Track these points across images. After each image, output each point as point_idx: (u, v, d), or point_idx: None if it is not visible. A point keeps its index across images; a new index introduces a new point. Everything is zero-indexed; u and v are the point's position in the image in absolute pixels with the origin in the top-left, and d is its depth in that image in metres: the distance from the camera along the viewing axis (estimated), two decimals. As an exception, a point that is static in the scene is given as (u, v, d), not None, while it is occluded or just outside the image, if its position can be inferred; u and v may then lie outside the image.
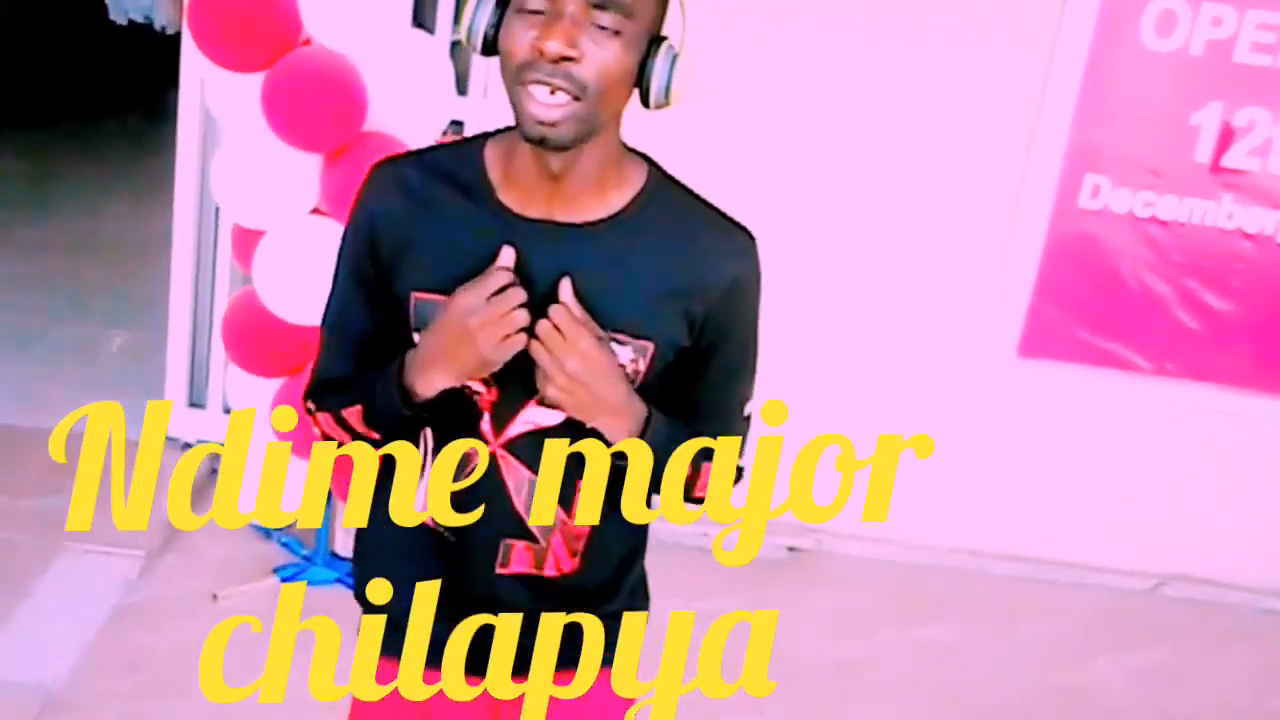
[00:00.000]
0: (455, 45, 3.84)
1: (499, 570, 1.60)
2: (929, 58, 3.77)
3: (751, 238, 1.55)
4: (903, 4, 3.73)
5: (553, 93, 1.35)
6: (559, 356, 1.42)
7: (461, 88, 3.60)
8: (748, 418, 1.64)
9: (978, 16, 3.74)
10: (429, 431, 1.57)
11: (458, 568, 1.62)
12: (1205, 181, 3.88)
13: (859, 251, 3.92)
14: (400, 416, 1.51)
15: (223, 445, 3.92)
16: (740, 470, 1.66)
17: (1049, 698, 3.53)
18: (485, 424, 1.53)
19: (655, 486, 1.58)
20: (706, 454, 1.57)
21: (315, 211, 3.19)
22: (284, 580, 3.52)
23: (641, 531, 1.74)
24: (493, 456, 1.54)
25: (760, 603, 3.77)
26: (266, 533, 3.69)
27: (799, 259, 3.91)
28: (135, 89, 8.43)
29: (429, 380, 1.47)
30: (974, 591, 4.03)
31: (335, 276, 1.61)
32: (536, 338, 1.42)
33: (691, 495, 1.62)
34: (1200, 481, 4.12)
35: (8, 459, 3.92)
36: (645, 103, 1.43)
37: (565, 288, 1.44)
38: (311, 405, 1.63)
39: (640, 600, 1.81)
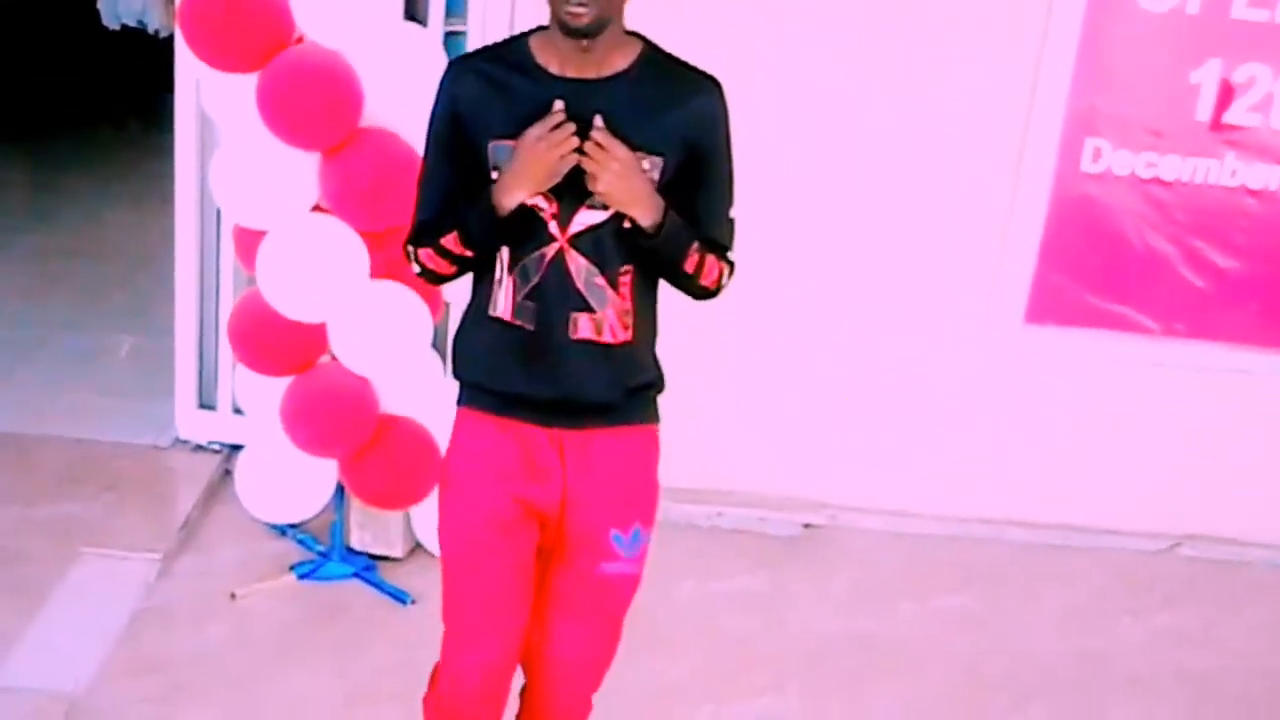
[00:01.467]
0: (449, 36, 3.83)
1: (571, 336, 2.14)
2: (925, 28, 3.75)
3: (718, 83, 2.18)
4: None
5: (581, 5, 1.98)
6: (602, 161, 2.01)
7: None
8: (731, 221, 2.24)
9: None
10: (505, 251, 2.13)
11: (536, 346, 2.15)
12: (1206, 140, 3.86)
13: (864, 225, 3.91)
14: (491, 230, 2.09)
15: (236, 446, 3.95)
16: (732, 264, 2.23)
17: (1071, 662, 3.53)
18: (553, 228, 2.10)
19: (676, 272, 2.17)
20: (708, 245, 2.17)
21: (316, 209, 3.19)
22: (301, 577, 3.53)
23: (656, 318, 2.30)
24: (560, 251, 2.11)
25: (778, 581, 3.78)
26: (282, 530, 3.70)
27: (805, 233, 3.91)
28: (131, 94, 8.41)
29: (512, 194, 2.05)
30: (991, 560, 4.03)
31: (425, 152, 2.22)
32: (585, 154, 2.02)
33: (699, 283, 2.19)
34: (1212, 440, 4.11)
35: (19, 468, 3.93)
36: None
37: (598, 120, 2.03)
38: (411, 248, 2.21)
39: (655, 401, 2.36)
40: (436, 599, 3.48)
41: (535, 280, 2.12)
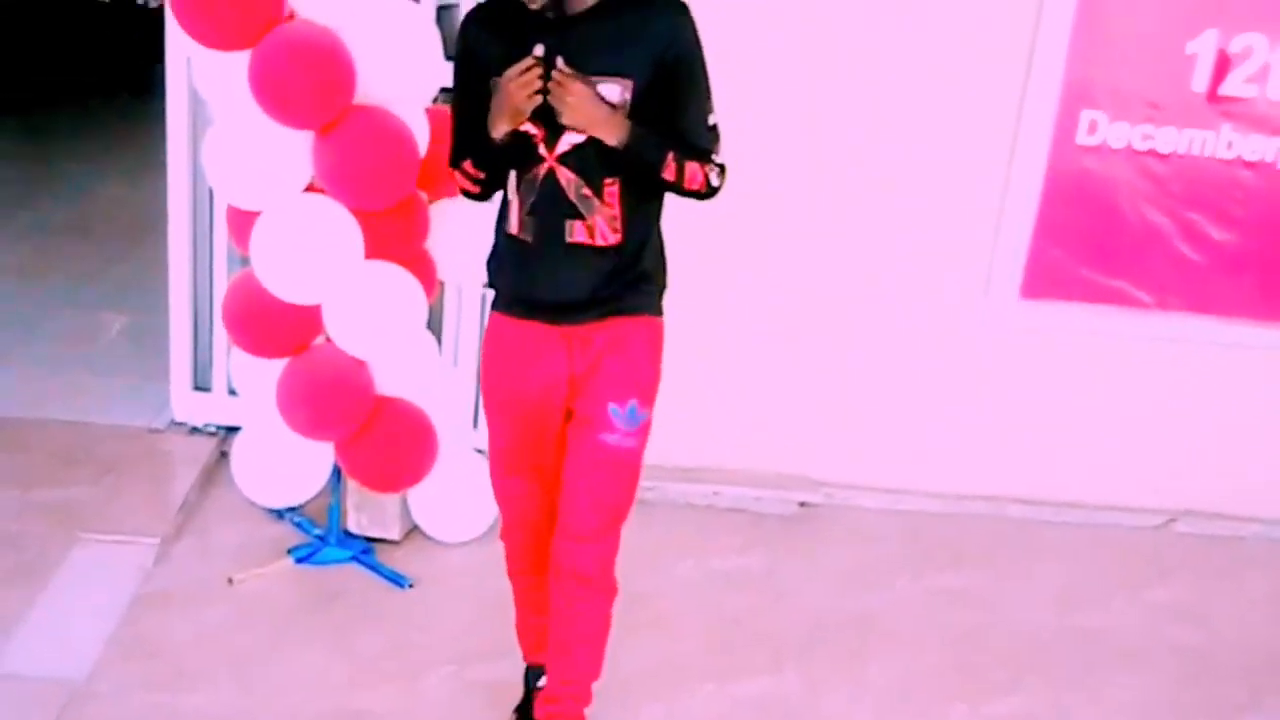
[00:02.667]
0: (441, 10, 3.80)
1: (568, 241, 2.47)
2: (920, 2, 3.72)
3: (683, 4, 2.42)
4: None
5: None
6: (559, 96, 2.33)
7: (449, 53, 3.55)
8: (713, 127, 2.48)
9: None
10: (514, 173, 2.49)
11: (539, 254, 2.50)
12: (1203, 111, 3.84)
13: (858, 202, 3.89)
14: (491, 155, 2.48)
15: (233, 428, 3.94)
16: (721, 166, 2.48)
17: (1069, 638, 3.54)
18: (542, 150, 2.44)
19: (657, 180, 2.45)
20: (689, 153, 2.43)
21: (309, 189, 3.17)
22: (298, 561, 3.52)
23: (651, 224, 2.57)
24: (550, 169, 2.44)
25: (775, 560, 3.78)
26: (279, 514, 3.69)
27: (799, 210, 3.89)
28: (122, 65, 8.36)
29: (497, 126, 2.41)
30: (988, 537, 4.03)
31: (454, 87, 2.57)
32: (549, 92, 2.34)
33: (685, 187, 2.45)
34: (1208, 415, 4.11)
35: (15, 451, 3.91)
36: None
37: (559, 61, 2.33)
38: (451, 167, 2.60)
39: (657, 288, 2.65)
40: (434, 582, 3.51)
41: (533, 197, 2.47)
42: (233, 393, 3.92)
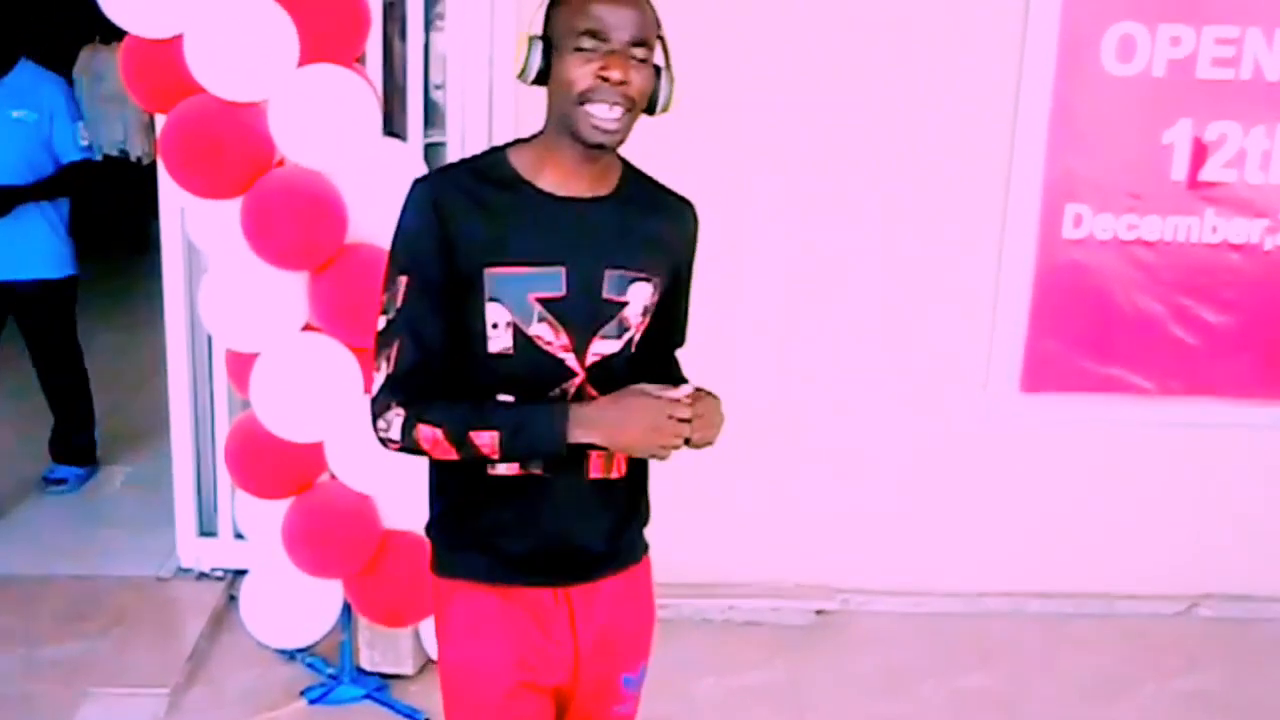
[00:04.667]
0: (429, 149, 3.87)
1: (589, 476, 1.97)
2: (898, 112, 3.80)
3: (693, 205, 2.08)
4: (866, 58, 3.77)
5: (611, 108, 1.82)
6: (704, 425, 1.85)
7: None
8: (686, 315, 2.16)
9: (941, 61, 3.77)
10: (510, 398, 1.90)
11: (549, 494, 1.96)
12: (1185, 198, 3.90)
13: (857, 308, 3.92)
14: (552, 452, 1.85)
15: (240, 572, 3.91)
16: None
17: (1099, 734, 3.48)
18: (570, 362, 1.91)
19: None
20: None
21: (307, 328, 3.19)
22: (312, 702, 3.47)
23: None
24: (581, 386, 1.92)
25: (797, 671, 3.73)
26: (291, 655, 3.65)
27: (798, 318, 3.91)
28: (117, 221, 8.45)
29: (590, 437, 1.83)
30: (1009, 634, 3.98)
31: (394, 284, 1.89)
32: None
33: None
34: (1220, 496, 4.09)
35: (21, 610, 3.88)
36: (651, 112, 1.92)
37: (686, 388, 1.87)
38: (397, 413, 1.88)
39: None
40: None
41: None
42: (239, 536, 3.90)
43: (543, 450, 1.85)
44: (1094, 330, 3.98)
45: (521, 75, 1.88)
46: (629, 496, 2.06)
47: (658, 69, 1.90)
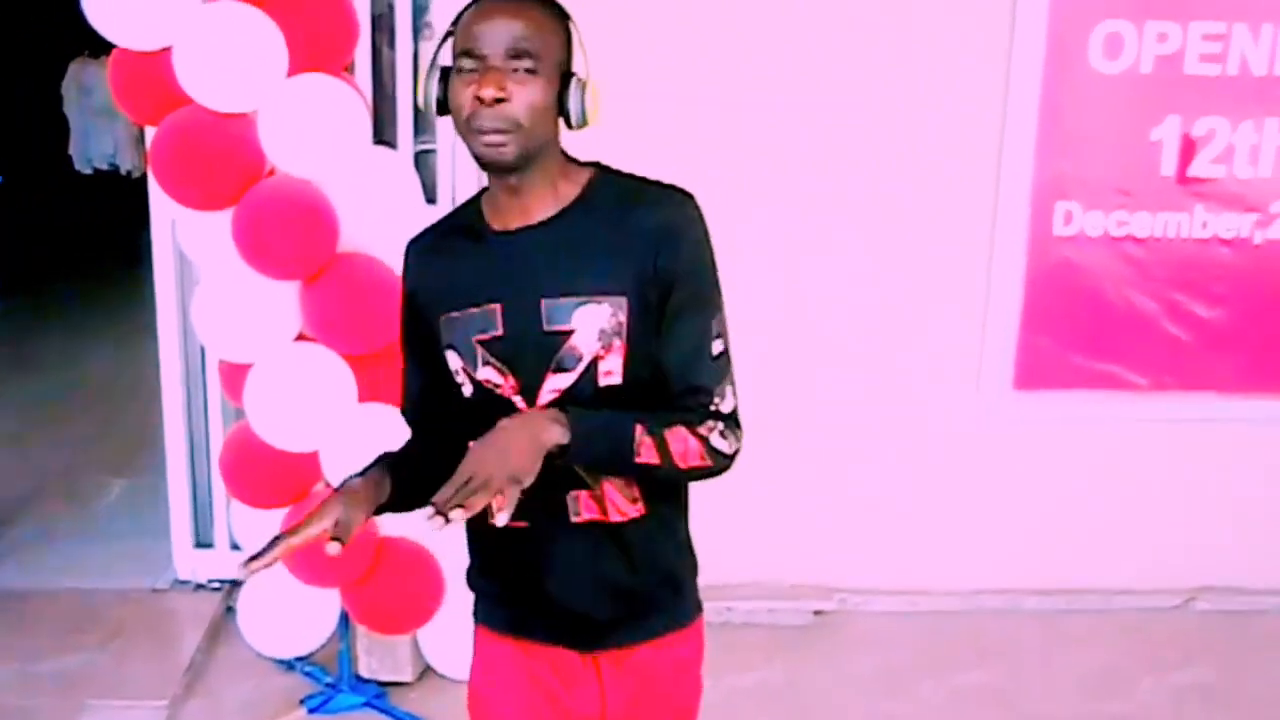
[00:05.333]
0: (420, 156, 3.88)
1: (574, 520, 1.80)
2: (890, 104, 3.81)
3: (686, 194, 1.80)
4: (854, 58, 3.78)
5: (491, 134, 1.68)
6: (481, 493, 1.54)
7: (430, 196, 3.62)
8: (718, 357, 1.80)
9: (930, 60, 3.78)
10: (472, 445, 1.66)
11: (539, 545, 1.82)
12: (1174, 194, 3.91)
13: (848, 310, 3.93)
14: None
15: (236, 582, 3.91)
16: (727, 417, 1.80)
17: (1098, 729, 3.49)
18: (519, 403, 1.77)
19: (636, 471, 1.73)
20: (669, 418, 1.74)
21: (300, 338, 3.19)
22: (311, 711, 3.47)
23: (678, 494, 1.92)
24: None
25: (795, 672, 3.73)
26: (289, 664, 3.65)
27: (793, 322, 3.92)
28: (109, 234, 8.47)
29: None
30: (1006, 631, 3.98)
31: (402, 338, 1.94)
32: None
33: (678, 468, 1.75)
34: (1215, 490, 4.10)
35: (18, 624, 3.88)
36: (569, 125, 1.75)
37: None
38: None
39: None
40: (450, 722, 3.43)
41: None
42: (235, 547, 3.90)
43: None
44: (1086, 327, 3.99)
45: (424, 106, 1.77)
46: (645, 542, 1.84)
47: (567, 77, 1.72)
